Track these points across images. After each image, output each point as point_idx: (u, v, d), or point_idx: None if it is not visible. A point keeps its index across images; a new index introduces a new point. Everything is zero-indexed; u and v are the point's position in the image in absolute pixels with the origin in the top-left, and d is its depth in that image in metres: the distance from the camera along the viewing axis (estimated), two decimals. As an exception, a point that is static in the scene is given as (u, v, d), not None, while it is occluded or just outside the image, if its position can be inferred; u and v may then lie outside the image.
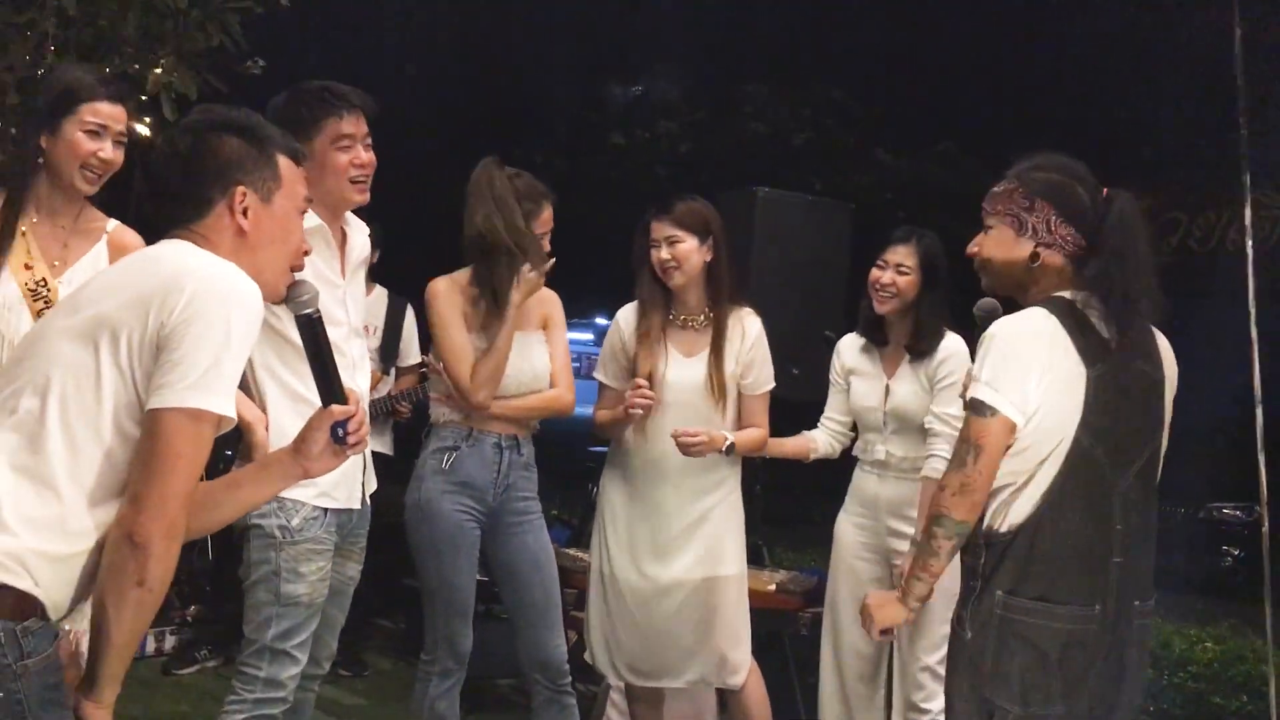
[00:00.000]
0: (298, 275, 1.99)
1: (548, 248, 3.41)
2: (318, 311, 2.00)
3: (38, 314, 2.57)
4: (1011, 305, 2.54)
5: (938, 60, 11.65)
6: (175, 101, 5.78)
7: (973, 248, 2.57)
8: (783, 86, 12.91)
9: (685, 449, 3.35)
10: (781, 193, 5.10)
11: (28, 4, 5.52)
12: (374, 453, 3.45)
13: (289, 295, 1.97)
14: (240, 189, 1.86)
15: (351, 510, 2.92)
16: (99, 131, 2.66)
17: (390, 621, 5.77)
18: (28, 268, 2.64)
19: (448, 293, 3.34)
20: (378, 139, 2.98)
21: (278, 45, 6.07)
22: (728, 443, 3.41)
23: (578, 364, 4.51)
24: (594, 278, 3.52)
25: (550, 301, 3.47)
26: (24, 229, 2.66)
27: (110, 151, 2.69)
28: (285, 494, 2.67)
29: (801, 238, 4.86)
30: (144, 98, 5.85)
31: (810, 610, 4.14)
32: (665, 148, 12.95)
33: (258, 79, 6.14)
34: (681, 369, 3.49)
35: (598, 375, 3.67)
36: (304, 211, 2.00)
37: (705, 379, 3.46)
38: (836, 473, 4.02)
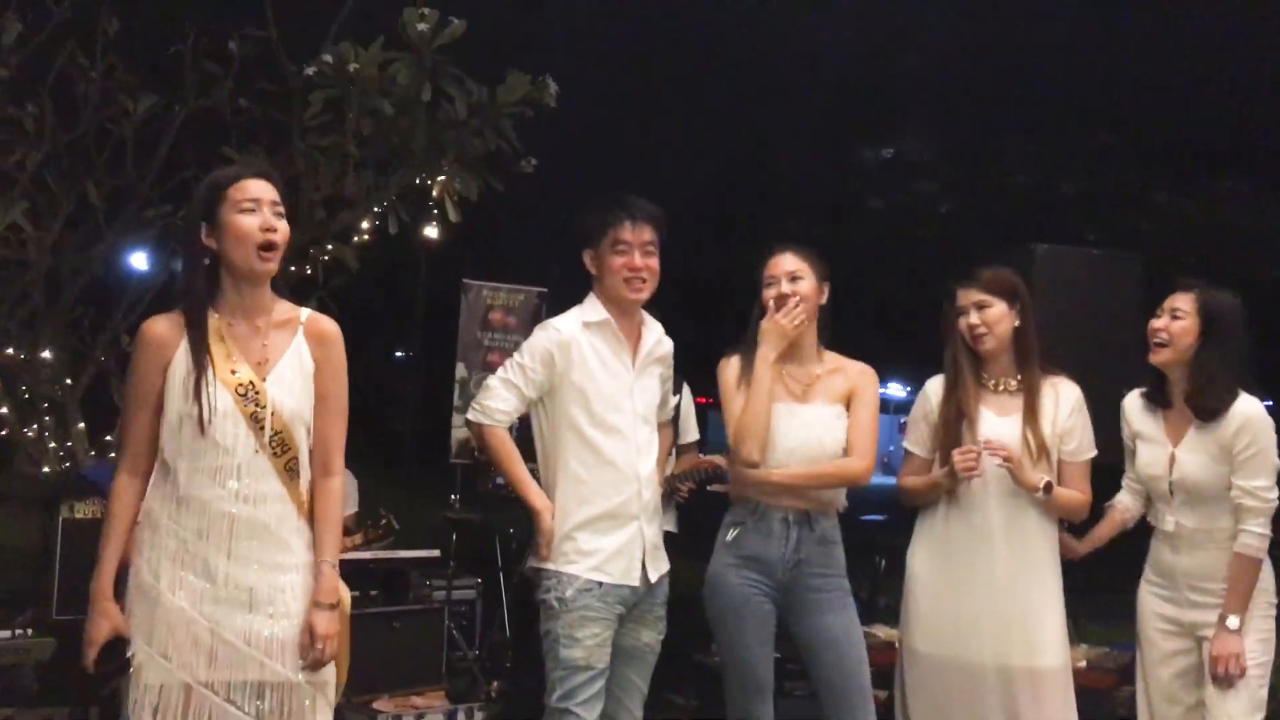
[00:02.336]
0: None
1: (782, 292, 3.35)
2: None
3: (250, 418, 2.53)
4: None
5: (1211, 91, 10.90)
6: (458, 204, 6.22)
7: None
8: (1042, 134, 12.45)
9: (1001, 462, 3.22)
10: (1061, 247, 4.89)
11: (331, 129, 6.09)
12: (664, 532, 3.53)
13: None
14: None
15: (631, 586, 3.16)
16: (253, 208, 2.56)
17: (682, 698, 5.80)
18: (233, 373, 2.55)
19: (732, 363, 3.39)
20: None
21: (549, 143, 6.39)
22: (1044, 481, 3.27)
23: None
24: (864, 345, 3.48)
25: (858, 374, 3.39)
26: (220, 335, 2.58)
27: (272, 220, 2.58)
28: (561, 568, 3.12)
29: (1086, 293, 4.64)
30: (431, 204, 6.35)
31: (1127, 688, 3.87)
32: (925, 208, 12.73)
33: (531, 176, 6.54)
34: (997, 431, 3.37)
35: (906, 444, 3.61)
36: None
37: (1022, 440, 3.32)
38: (1135, 536, 3.77)
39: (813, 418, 3.30)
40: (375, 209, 6.23)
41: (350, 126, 5.90)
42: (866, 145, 14.17)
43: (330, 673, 2.59)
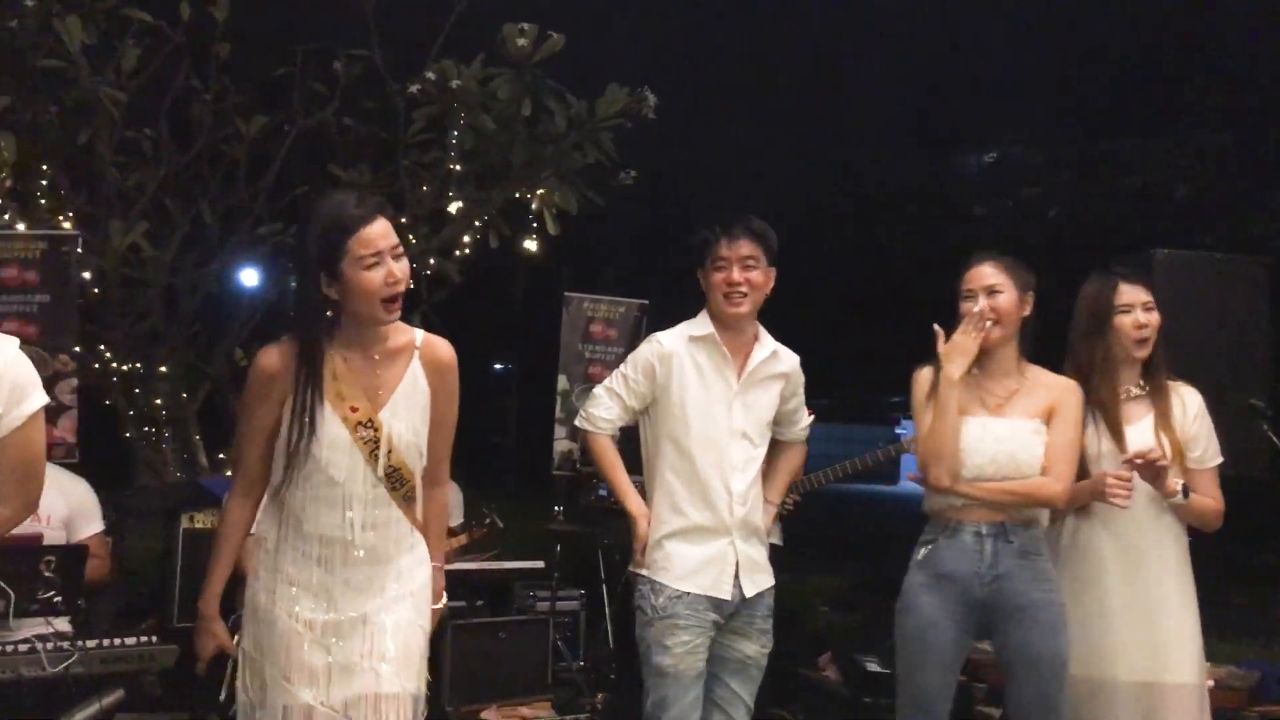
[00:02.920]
0: None
1: (972, 309, 3.19)
2: None
3: (367, 453, 2.49)
4: None
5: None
6: (557, 217, 6.26)
7: None
8: (1151, 137, 12.08)
9: (1144, 467, 3.07)
10: (1183, 252, 4.69)
11: (433, 146, 6.19)
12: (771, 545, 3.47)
13: None
14: None
15: (720, 598, 3.11)
16: (377, 261, 2.45)
17: (787, 713, 5.73)
18: (353, 410, 2.50)
19: (923, 376, 3.23)
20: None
21: (649, 155, 6.39)
22: (1180, 485, 3.13)
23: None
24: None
25: (1061, 390, 3.16)
26: (335, 368, 2.51)
27: (395, 270, 2.47)
28: (653, 576, 3.13)
29: (1210, 299, 4.45)
30: (531, 218, 6.40)
31: (1258, 709, 3.71)
32: (1031, 214, 12.43)
33: (630, 188, 6.56)
34: (1133, 439, 3.23)
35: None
36: None
37: (1157, 446, 3.17)
38: (1265, 550, 3.60)
39: (1006, 432, 3.16)
40: (476, 223, 6.32)
41: (452, 143, 6.00)
42: (969, 150, 13.92)
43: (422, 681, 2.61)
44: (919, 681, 3.12)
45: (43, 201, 5.67)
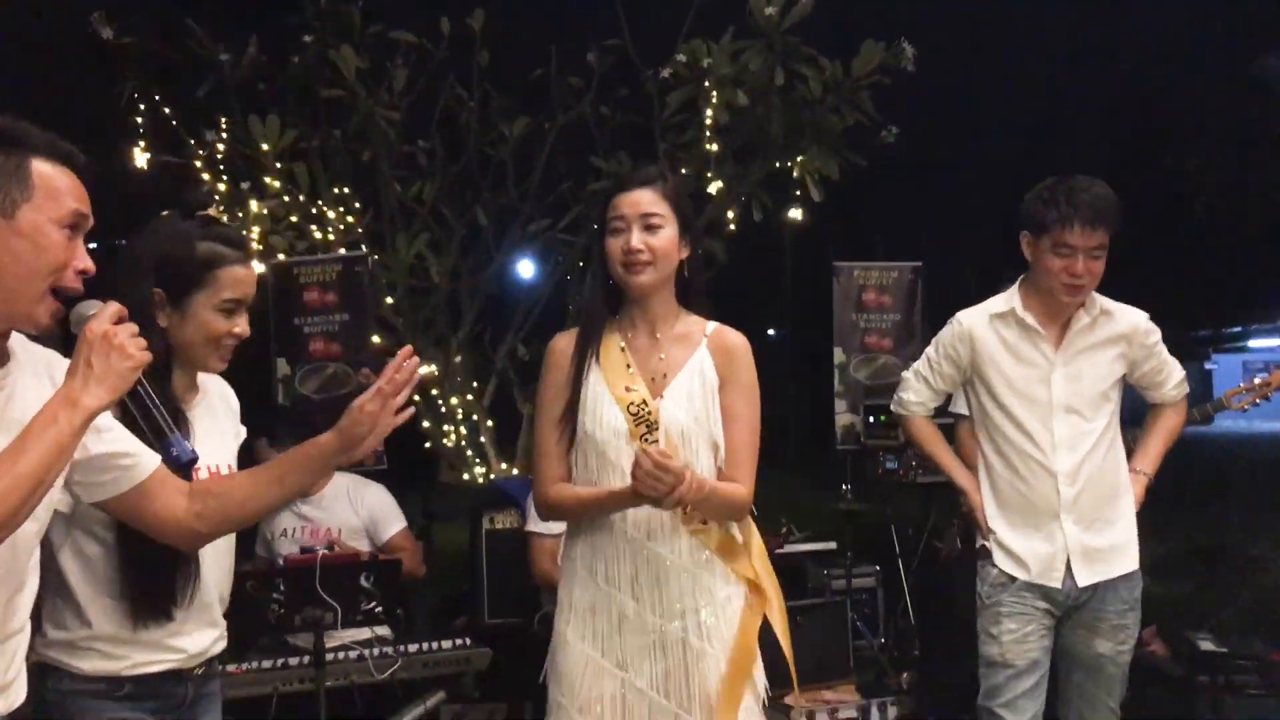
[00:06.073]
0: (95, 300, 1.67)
1: None
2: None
3: (640, 438, 2.31)
4: None
5: None
6: (819, 184, 6.09)
7: None
8: None
9: None
10: None
11: (687, 127, 6.16)
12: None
13: (70, 318, 1.66)
14: None
15: (1050, 587, 2.89)
16: (622, 226, 2.35)
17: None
18: (627, 390, 2.37)
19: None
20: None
21: (911, 110, 6.13)
22: None
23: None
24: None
25: None
26: (619, 350, 2.41)
27: (636, 239, 2.35)
28: (981, 561, 2.96)
29: None
30: (793, 187, 6.26)
31: None
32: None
33: (893, 146, 6.29)
34: None
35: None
36: (74, 224, 1.65)
37: None
38: None
39: None
40: (741, 198, 6.24)
41: (707, 122, 5.94)
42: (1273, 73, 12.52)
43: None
44: None
45: (336, 224, 6.06)
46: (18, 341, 1.70)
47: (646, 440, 2.31)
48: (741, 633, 2.34)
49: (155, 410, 1.66)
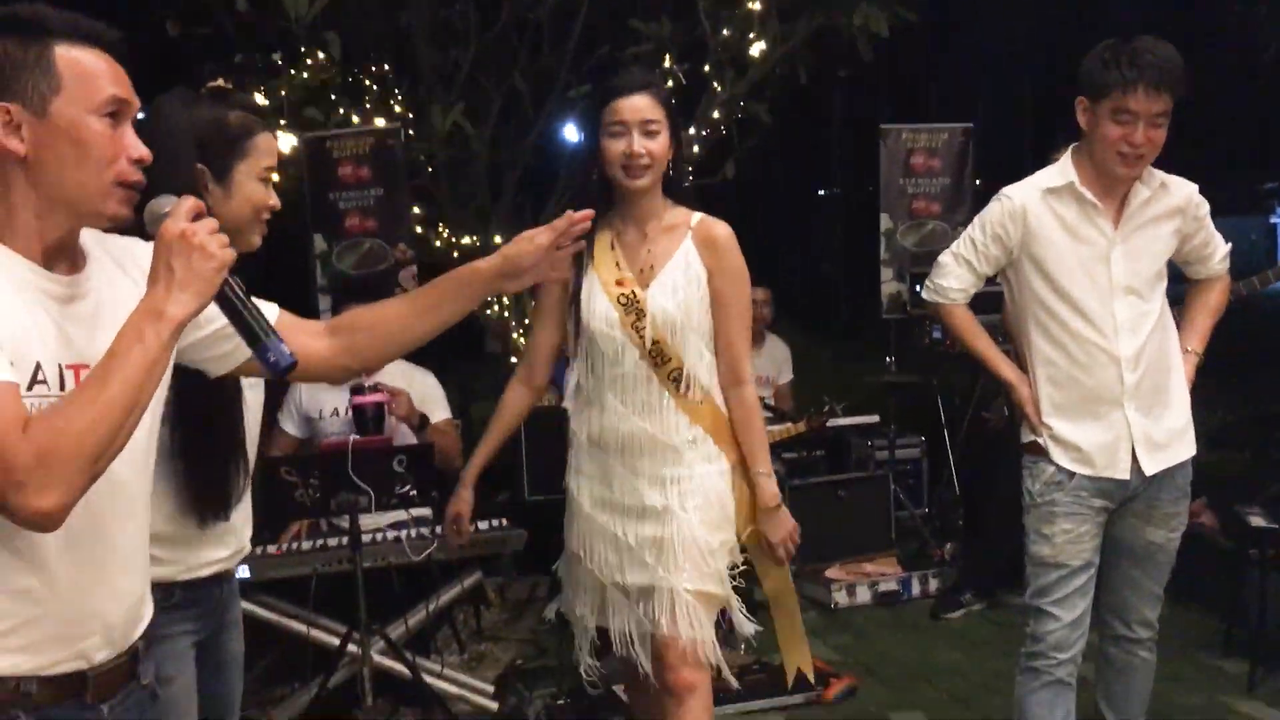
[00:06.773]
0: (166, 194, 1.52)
1: None
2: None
3: (631, 327, 2.52)
4: None
5: None
6: (868, 42, 5.84)
7: None
8: None
9: None
10: None
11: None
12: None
13: (145, 218, 1.53)
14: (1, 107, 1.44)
15: (1116, 479, 2.75)
16: (621, 130, 2.51)
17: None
18: (618, 283, 2.55)
19: None
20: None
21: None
22: None
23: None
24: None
25: None
26: (610, 244, 2.59)
27: (637, 144, 2.50)
28: (1031, 459, 2.82)
29: None
30: (840, 46, 6.01)
31: None
32: None
33: (947, 3, 6.01)
34: None
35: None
36: (115, 111, 1.48)
37: None
38: None
39: None
40: (783, 60, 6.01)
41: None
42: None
43: (714, 583, 2.55)
44: None
45: (370, 95, 5.93)
46: (91, 238, 1.57)
47: (637, 328, 2.53)
48: (719, 500, 2.59)
49: (246, 312, 1.51)
